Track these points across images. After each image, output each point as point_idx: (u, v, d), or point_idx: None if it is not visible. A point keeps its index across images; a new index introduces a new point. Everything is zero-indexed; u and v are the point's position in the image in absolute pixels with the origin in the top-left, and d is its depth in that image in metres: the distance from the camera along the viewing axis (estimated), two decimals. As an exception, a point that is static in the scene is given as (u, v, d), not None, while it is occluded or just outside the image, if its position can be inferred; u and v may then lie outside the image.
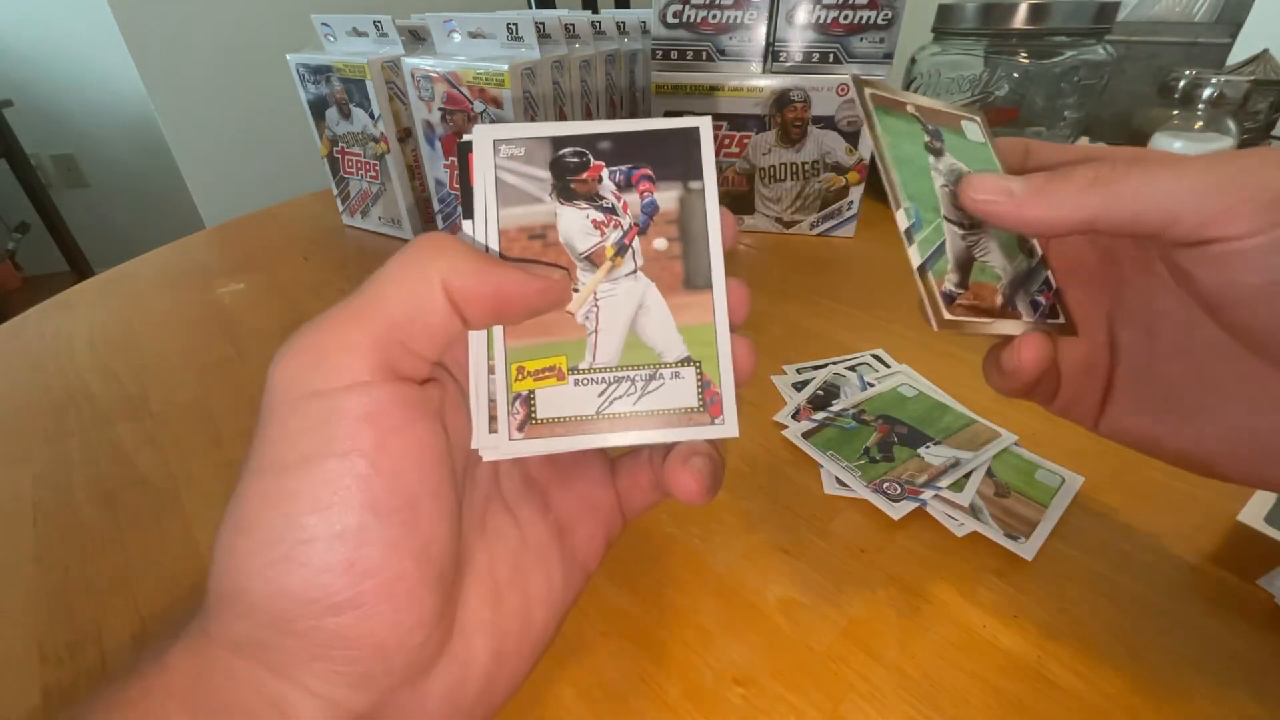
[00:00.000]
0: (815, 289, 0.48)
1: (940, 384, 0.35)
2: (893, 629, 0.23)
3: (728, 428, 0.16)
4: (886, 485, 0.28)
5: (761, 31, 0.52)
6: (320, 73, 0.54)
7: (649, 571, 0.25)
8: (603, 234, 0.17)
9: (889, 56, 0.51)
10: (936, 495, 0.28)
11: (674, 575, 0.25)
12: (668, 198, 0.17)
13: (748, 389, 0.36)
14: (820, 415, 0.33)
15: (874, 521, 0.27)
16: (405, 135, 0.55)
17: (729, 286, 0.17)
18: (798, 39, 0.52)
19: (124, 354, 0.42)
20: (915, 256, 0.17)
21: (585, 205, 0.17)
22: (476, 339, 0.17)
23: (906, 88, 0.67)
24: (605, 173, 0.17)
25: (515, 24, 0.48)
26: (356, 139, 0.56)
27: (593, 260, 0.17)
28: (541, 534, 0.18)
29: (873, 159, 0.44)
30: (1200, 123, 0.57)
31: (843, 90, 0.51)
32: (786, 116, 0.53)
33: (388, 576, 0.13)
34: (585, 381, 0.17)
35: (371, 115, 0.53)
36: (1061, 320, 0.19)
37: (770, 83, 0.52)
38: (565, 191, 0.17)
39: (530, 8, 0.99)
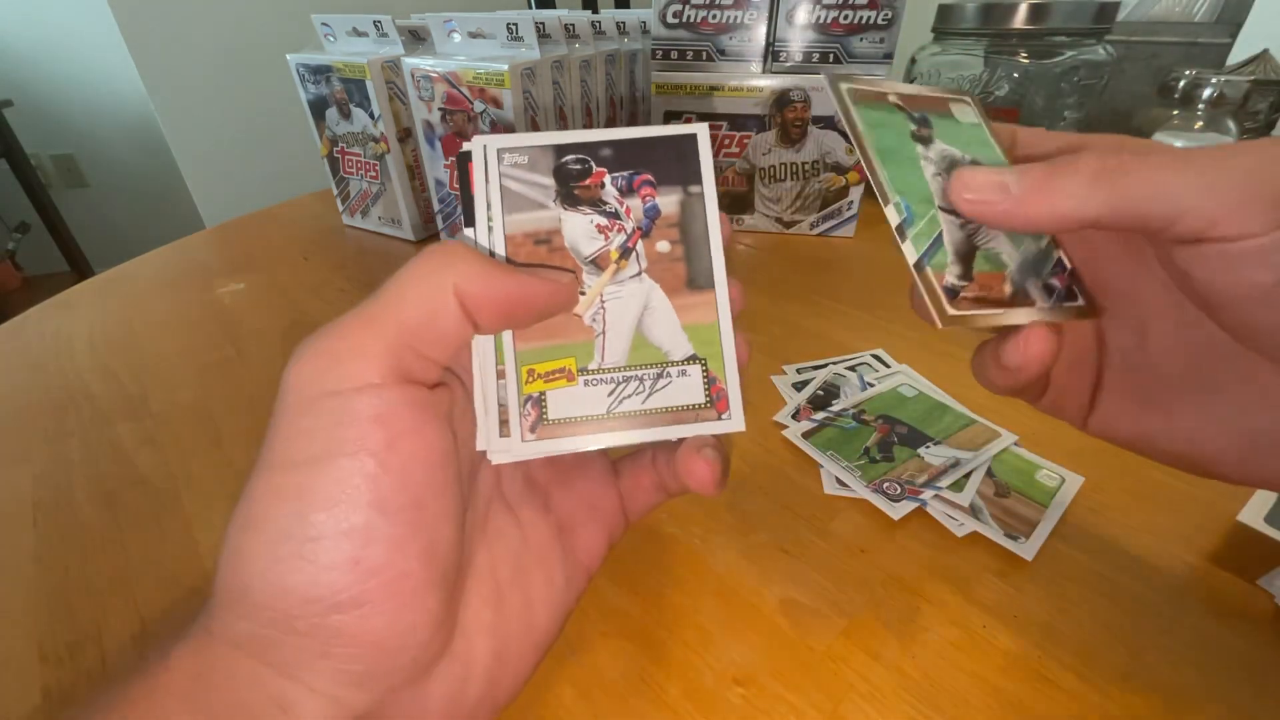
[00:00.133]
0: (815, 289, 0.48)
1: (940, 384, 0.35)
2: (893, 629, 0.23)
3: (734, 422, 0.17)
4: (886, 485, 0.28)
5: (761, 31, 0.52)
6: (320, 73, 0.54)
7: (649, 571, 0.25)
8: (607, 238, 0.17)
9: (889, 56, 0.51)
10: (936, 495, 0.28)
11: (674, 575, 0.25)
12: (669, 202, 0.18)
13: (748, 390, 0.36)
14: (820, 415, 0.33)
15: (874, 521, 0.27)
16: (405, 135, 0.55)
17: None
18: (798, 39, 0.52)
19: (124, 354, 0.42)
20: (910, 252, 0.16)
21: (589, 210, 0.17)
22: (481, 344, 0.17)
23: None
24: (608, 179, 0.17)
25: (515, 24, 0.48)
26: (356, 139, 0.56)
27: (598, 264, 0.17)
28: (543, 535, 0.18)
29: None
30: (1200, 123, 0.57)
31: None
32: (786, 116, 0.53)
33: (392, 575, 0.13)
34: (595, 382, 0.17)
35: (371, 115, 0.53)
36: (1081, 303, 0.18)
37: (770, 83, 0.52)
38: (569, 197, 0.17)
39: (530, 8, 0.99)
